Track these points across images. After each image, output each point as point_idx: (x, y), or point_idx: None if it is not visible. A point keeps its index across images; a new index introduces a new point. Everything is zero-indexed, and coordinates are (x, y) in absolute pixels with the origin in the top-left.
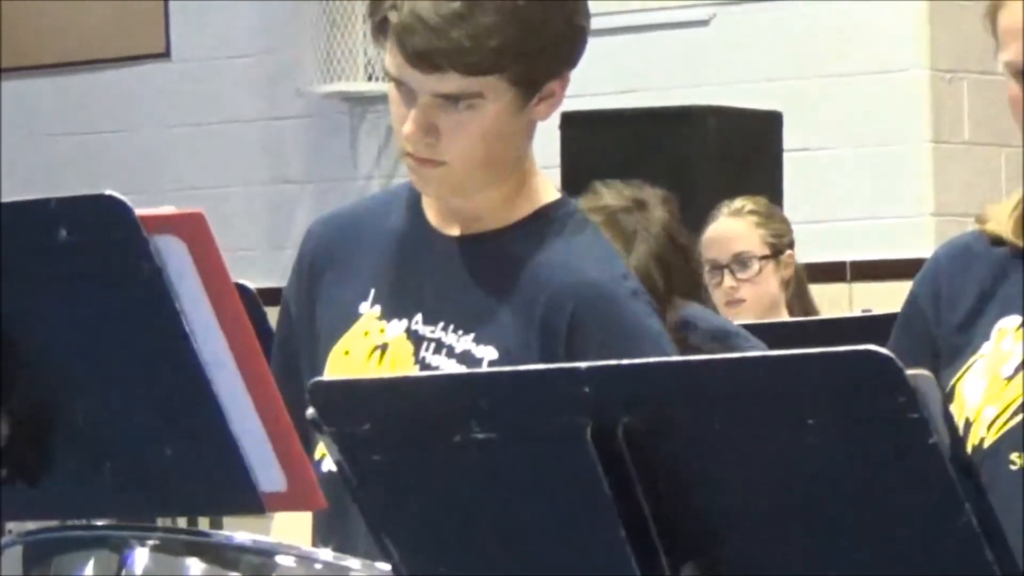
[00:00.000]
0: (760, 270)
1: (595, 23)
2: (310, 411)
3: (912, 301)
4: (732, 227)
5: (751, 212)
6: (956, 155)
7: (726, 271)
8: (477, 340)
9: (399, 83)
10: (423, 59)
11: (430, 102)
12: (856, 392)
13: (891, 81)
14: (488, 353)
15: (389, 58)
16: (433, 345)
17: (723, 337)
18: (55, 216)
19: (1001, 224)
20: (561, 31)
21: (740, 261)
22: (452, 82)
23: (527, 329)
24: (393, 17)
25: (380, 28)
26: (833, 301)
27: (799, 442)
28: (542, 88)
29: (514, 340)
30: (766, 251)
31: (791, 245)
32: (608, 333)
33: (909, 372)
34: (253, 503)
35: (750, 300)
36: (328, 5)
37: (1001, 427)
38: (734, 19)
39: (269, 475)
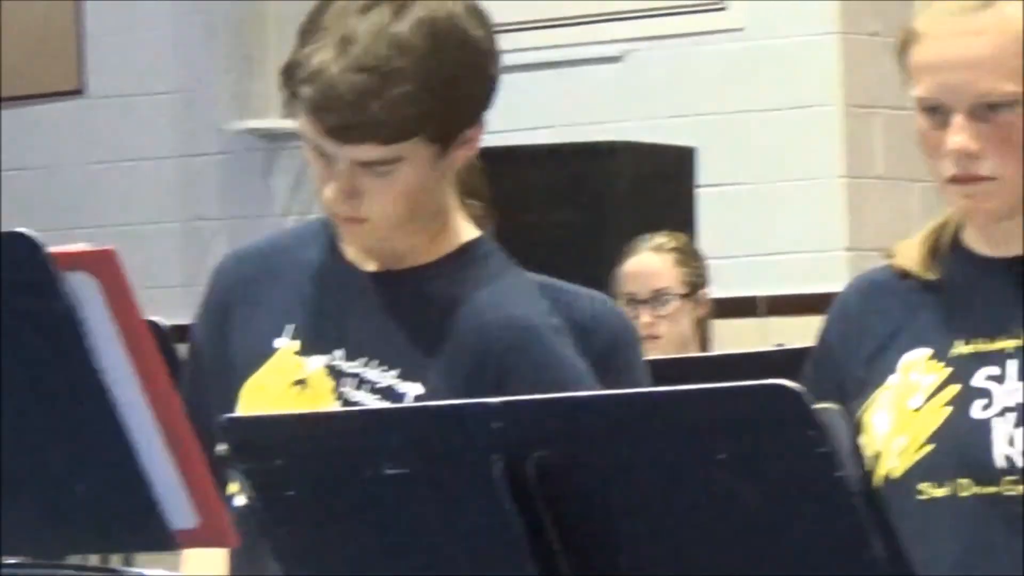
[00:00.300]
0: (678, 308)
1: (509, 59)
2: (222, 447)
3: (822, 337)
4: (653, 263)
5: (672, 250)
6: (870, 190)
7: (643, 306)
8: (402, 376)
9: (315, 146)
10: (340, 133)
11: (349, 167)
12: (766, 426)
13: (805, 116)
14: (413, 389)
15: (304, 125)
16: (355, 381)
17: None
18: None
19: (909, 258)
20: (473, 85)
21: (659, 297)
22: (371, 151)
23: (454, 366)
24: (307, 92)
25: (293, 98)
26: (747, 336)
27: (709, 476)
28: (458, 139)
29: (440, 377)
30: (684, 289)
31: (706, 284)
32: (537, 371)
33: (817, 406)
34: (165, 540)
35: (666, 337)
36: (243, 42)
37: (910, 458)
38: (647, 55)
39: (181, 512)
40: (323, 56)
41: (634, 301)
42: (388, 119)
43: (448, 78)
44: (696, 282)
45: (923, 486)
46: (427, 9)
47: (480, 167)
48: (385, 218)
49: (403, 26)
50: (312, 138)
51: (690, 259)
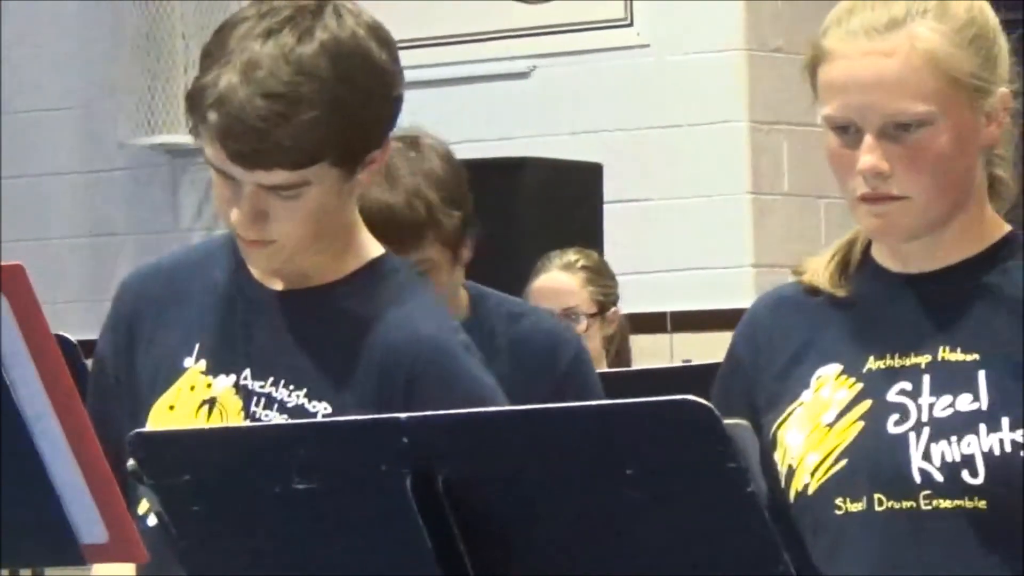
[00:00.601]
0: (587, 327)
1: (417, 75)
2: (131, 462)
3: (731, 353)
4: (563, 281)
5: (583, 268)
6: (775, 206)
7: None
8: (310, 396)
9: (220, 170)
10: (246, 160)
11: (255, 191)
12: (674, 441)
13: (710, 133)
14: (322, 408)
15: (210, 150)
16: (264, 400)
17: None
18: None
19: (818, 275)
20: (380, 108)
21: (568, 316)
22: (277, 176)
23: (363, 384)
24: (212, 118)
25: (199, 122)
26: (654, 351)
27: (618, 492)
28: (364, 159)
29: (349, 395)
30: (594, 308)
31: (616, 302)
32: (446, 387)
33: (727, 422)
34: (74, 555)
35: None
36: (149, 57)
37: (824, 473)
38: (554, 71)
39: (90, 527)
40: (228, 81)
41: None
42: (294, 145)
43: (353, 102)
44: (605, 301)
45: (839, 501)
46: (330, 32)
47: (463, 176)
48: (291, 240)
49: (307, 50)
50: (217, 163)
51: (600, 277)
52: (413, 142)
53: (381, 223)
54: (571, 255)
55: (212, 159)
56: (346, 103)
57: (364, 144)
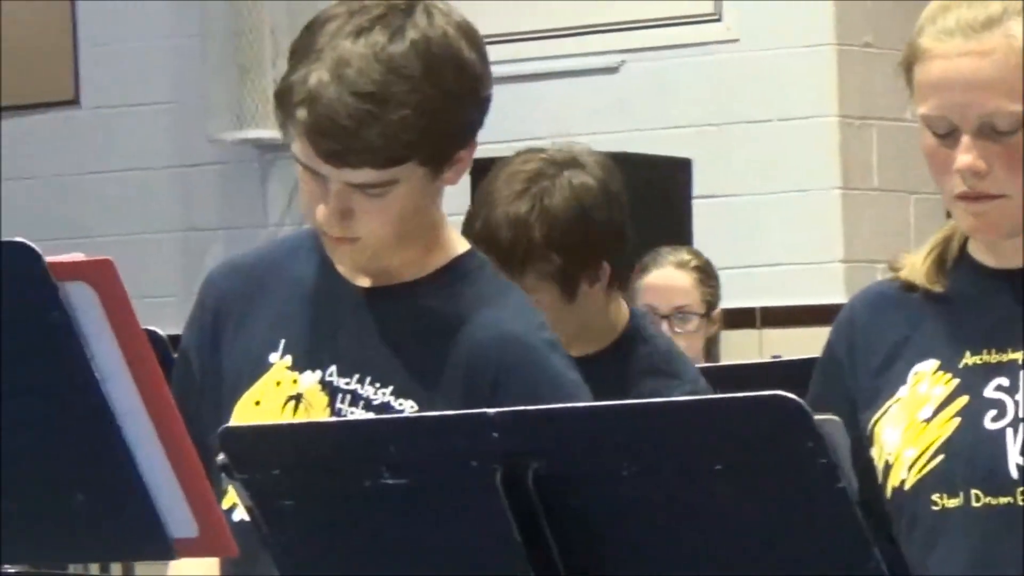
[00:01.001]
0: (696, 326)
1: (505, 70)
2: (221, 457)
3: (829, 348)
4: (678, 279)
5: (695, 268)
6: (865, 201)
7: (665, 321)
8: (396, 393)
9: (308, 167)
10: (336, 158)
11: (343, 188)
12: (765, 437)
13: (800, 128)
14: (408, 406)
15: (298, 147)
16: (349, 397)
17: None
18: None
19: (915, 271)
20: (469, 108)
21: (681, 315)
22: (365, 175)
23: (449, 383)
24: (302, 115)
25: (287, 120)
26: (743, 347)
27: (708, 488)
28: (452, 158)
29: (435, 393)
30: (703, 309)
31: (719, 303)
32: (532, 386)
33: (818, 417)
34: (164, 549)
35: None
36: (239, 52)
37: (921, 469)
38: (643, 66)
39: (180, 521)
40: (318, 79)
41: (653, 314)
42: (383, 145)
43: (443, 102)
44: (712, 301)
45: (936, 497)
46: (421, 31)
47: (588, 221)
48: (376, 238)
49: (398, 49)
50: (306, 160)
51: (709, 278)
52: (563, 166)
53: (483, 242)
54: (683, 254)
55: (300, 156)
56: (435, 103)
57: (452, 144)
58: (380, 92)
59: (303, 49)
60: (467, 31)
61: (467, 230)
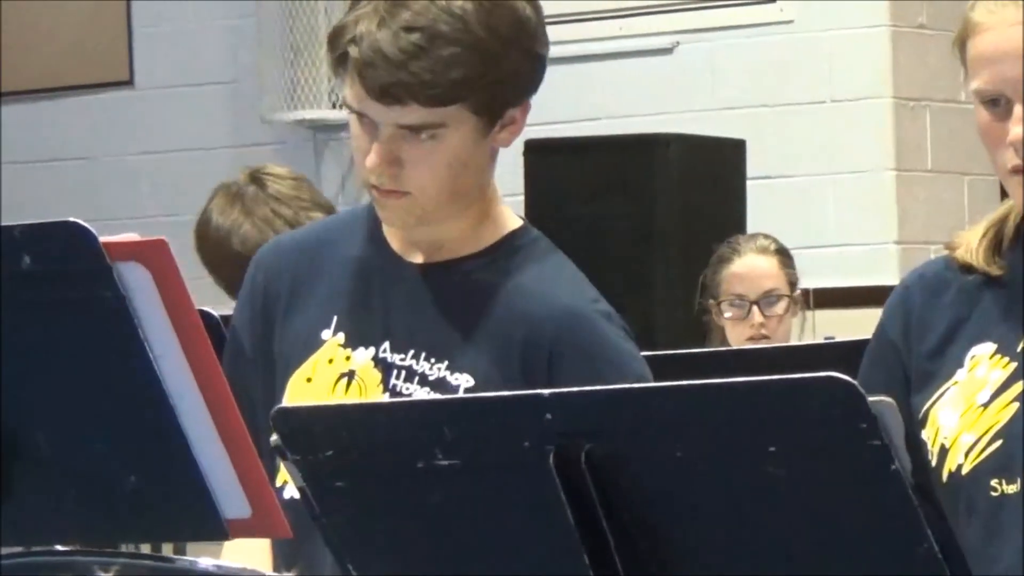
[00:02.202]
0: (785, 308)
1: (559, 51)
2: (274, 438)
3: (881, 330)
4: (761, 264)
5: (776, 251)
6: (919, 183)
7: (755, 307)
8: (451, 368)
9: (360, 115)
10: (385, 93)
11: (393, 133)
12: (818, 419)
13: (854, 109)
14: (464, 380)
15: (350, 91)
16: (404, 373)
17: None
18: (19, 243)
19: (971, 251)
20: (521, 60)
21: (769, 299)
22: (415, 114)
23: (506, 357)
24: (353, 52)
25: (339, 62)
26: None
27: (761, 469)
28: (503, 115)
29: (492, 368)
30: (789, 291)
31: (798, 284)
32: (589, 358)
33: (871, 399)
34: (217, 530)
35: (774, 338)
36: (292, 33)
37: (979, 454)
38: (697, 47)
39: (233, 502)
40: (369, 19)
41: (743, 301)
42: (432, 80)
43: (495, 47)
44: (795, 282)
45: (994, 482)
46: None
47: None
48: (426, 190)
49: None
50: (356, 104)
51: (789, 260)
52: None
53: None
54: (761, 239)
55: (352, 100)
56: (487, 46)
57: (503, 95)
58: (431, 28)
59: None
60: None
61: None
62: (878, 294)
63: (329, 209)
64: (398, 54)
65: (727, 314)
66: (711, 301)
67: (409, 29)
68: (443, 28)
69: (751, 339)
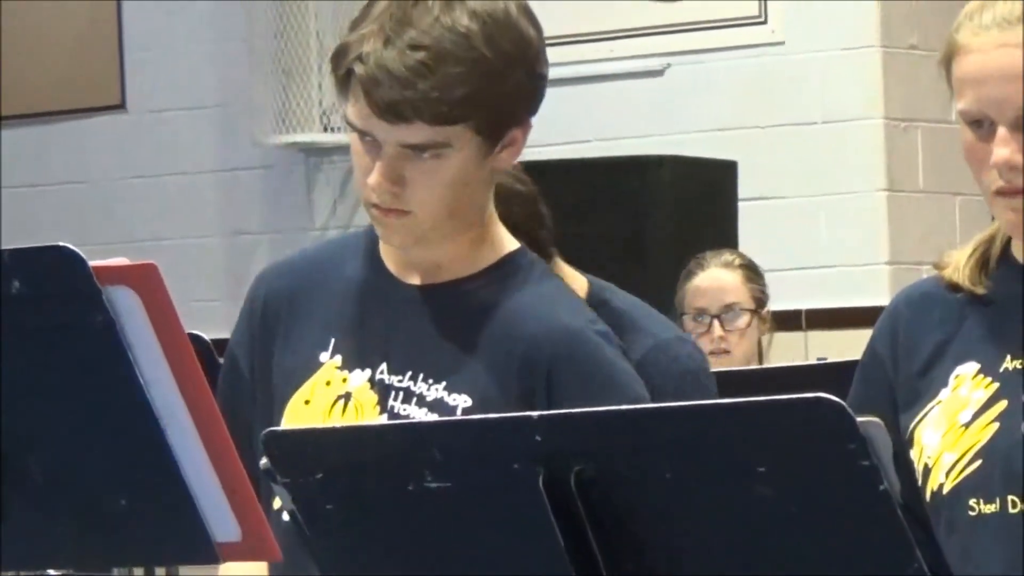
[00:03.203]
0: (747, 323)
1: (550, 73)
2: (264, 461)
3: (871, 349)
4: (724, 278)
5: (741, 266)
6: (911, 203)
7: (715, 321)
8: (449, 388)
9: (363, 134)
10: (391, 110)
11: (396, 152)
12: (807, 439)
13: (845, 130)
14: (462, 401)
15: (353, 110)
16: (402, 394)
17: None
18: (8, 268)
19: (958, 271)
20: (523, 79)
21: (730, 313)
22: (419, 132)
23: (504, 377)
24: (359, 69)
25: (344, 80)
26: (789, 349)
27: (751, 490)
28: (505, 136)
29: (490, 387)
30: (752, 305)
31: (767, 301)
32: (587, 378)
33: (860, 419)
34: (208, 553)
35: (735, 353)
36: (283, 56)
37: (959, 473)
38: (688, 69)
39: (224, 525)
40: (375, 38)
41: (704, 315)
42: (438, 98)
43: (499, 66)
44: (761, 299)
45: (973, 502)
46: (481, 3)
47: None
48: (427, 210)
49: (457, 13)
50: (360, 123)
51: (756, 276)
52: None
53: None
54: (727, 255)
55: (355, 119)
56: (492, 65)
57: (506, 114)
58: (436, 46)
59: (362, 16)
60: (526, 9)
61: None
62: (870, 314)
63: None
64: (405, 72)
65: (688, 328)
66: (681, 316)
67: (415, 47)
68: (449, 47)
69: (711, 353)
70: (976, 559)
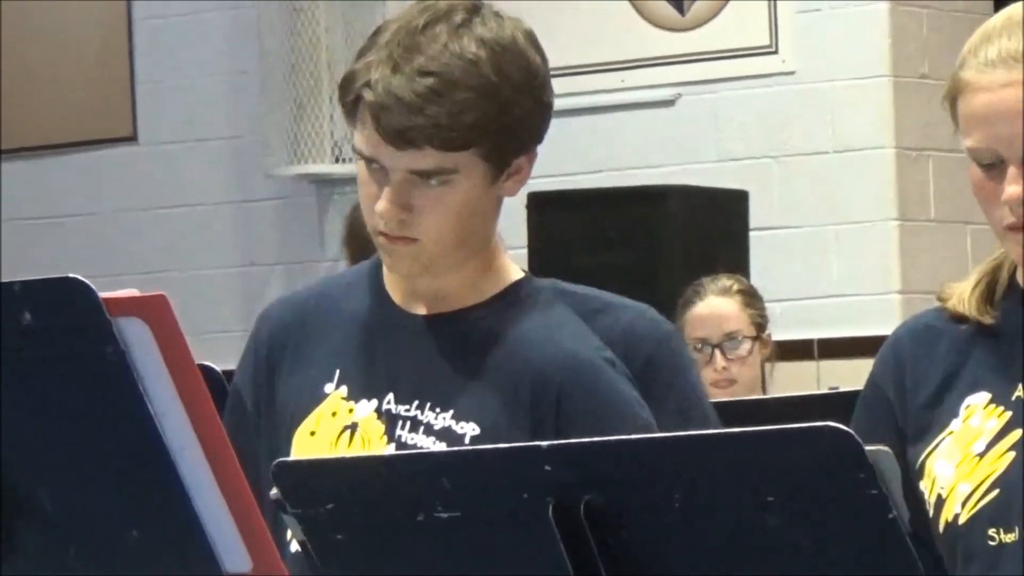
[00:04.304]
0: (749, 350)
1: (561, 103)
2: (274, 491)
3: (873, 382)
4: (722, 306)
5: (739, 292)
6: (922, 233)
7: (717, 350)
8: (457, 417)
9: (370, 161)
10: (400, 136)
11: (404, 179)
12: (816, 469)
13: (857, 159)
14: (470, 429)
15: (361, 137)
16: (409, 423)
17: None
18: (19, 299)
19: (963, 302)
20: (530, 107)
21: (732, 341)
22: (428, 158)
23: (512, 404)
24: (367, 96)
25: (352, 107)
26: (800, 379)
27: (760, 519)
28: (511, 164)
29: (498, 416)
30: (753, 331)
31: (767, 325)
32: (596, 405)
33: (868, 448)
34: None
35: (740, 381)
36: (295, 88)
37: (976, 503)
38: (699, 99)
39: (235, 556)
40: (383, 64)
41: (706, 345)
42: (448, 124)
43: (507, 93)
44: (761, 323)
45: (992, 532)
46: (489, 31)
47: None
48: (435, 237)
49: (465, 40)
50: (368, 150)
51: (754, 300)
52: None
53: None
54: (724, 280)
55: (363, 147)
56: (499, 92)
57: (513, 141)
58: (445, 73)
59: (369, 45)
60: (533, 39)
61: None
62: (882, 344)
63: None
64: (414, 98)
65: None
66: None
67: (424, 74)
68: (458, 74)
69: (715, 384)
70: None
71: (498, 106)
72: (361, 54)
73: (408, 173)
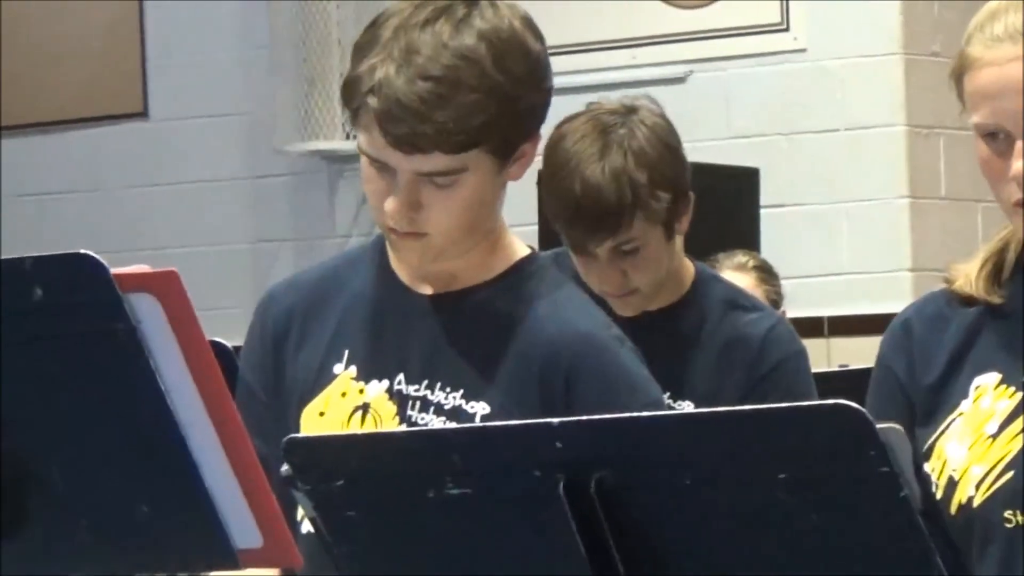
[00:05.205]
0: None
1: (571, 80)
2: (284, 468)
3: (882, 363)
4: (738, 281)
5: (754, 268)
6: (933, 210)
7: None
8: (467, 396)
9: (376, 161)
10: (407, 142)
11: (412, 179)
12: (827, 446)
13: (868, 137)
14: (480, 408)
15: (366, 138)
16: (419, 403)
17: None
18: (30, 275)
19: (970, 282)
20: (534, 97)
21: None
22: (436, 161)
23: (522, 383)
24: (373, 103)
25: (357, 112)
26: (811, 356)
27: (770, 497)
28: (517, 151)
29: (508, 394)
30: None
31: (783, 302)
32: (605, 382)
33: (880, 426)
34: (229, 559)
35: None
36: (306, 65)
37: (990, 486)
38: (710, 76)
39: (245, 532)
40: (386, 68)
41: None
42: (455, 128)
43: (511, 88)
44: (776, 300)
45: (1008, 513)
46: (488, 23)
47: (676, 152)
48: (445, 232)
49: (465, 37)
50: (375, 152)
51: (770, 276)
52: (627, 112)
53: (588, 202)
54: (740, 256)
55: (369, 148)
56: (504, 89)
57: (518, 133)
58: (450, 76)
59: (368, 43)
60: (530, 24)
61: (556, 206)
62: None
63: None
64: (419, 105)
65: None
66: None
67: (427, 78)
68: (461, 76)
69: None
70: (1015, 570)
71: (503, 103)
72: (360, 51)
73: (416, 174)
